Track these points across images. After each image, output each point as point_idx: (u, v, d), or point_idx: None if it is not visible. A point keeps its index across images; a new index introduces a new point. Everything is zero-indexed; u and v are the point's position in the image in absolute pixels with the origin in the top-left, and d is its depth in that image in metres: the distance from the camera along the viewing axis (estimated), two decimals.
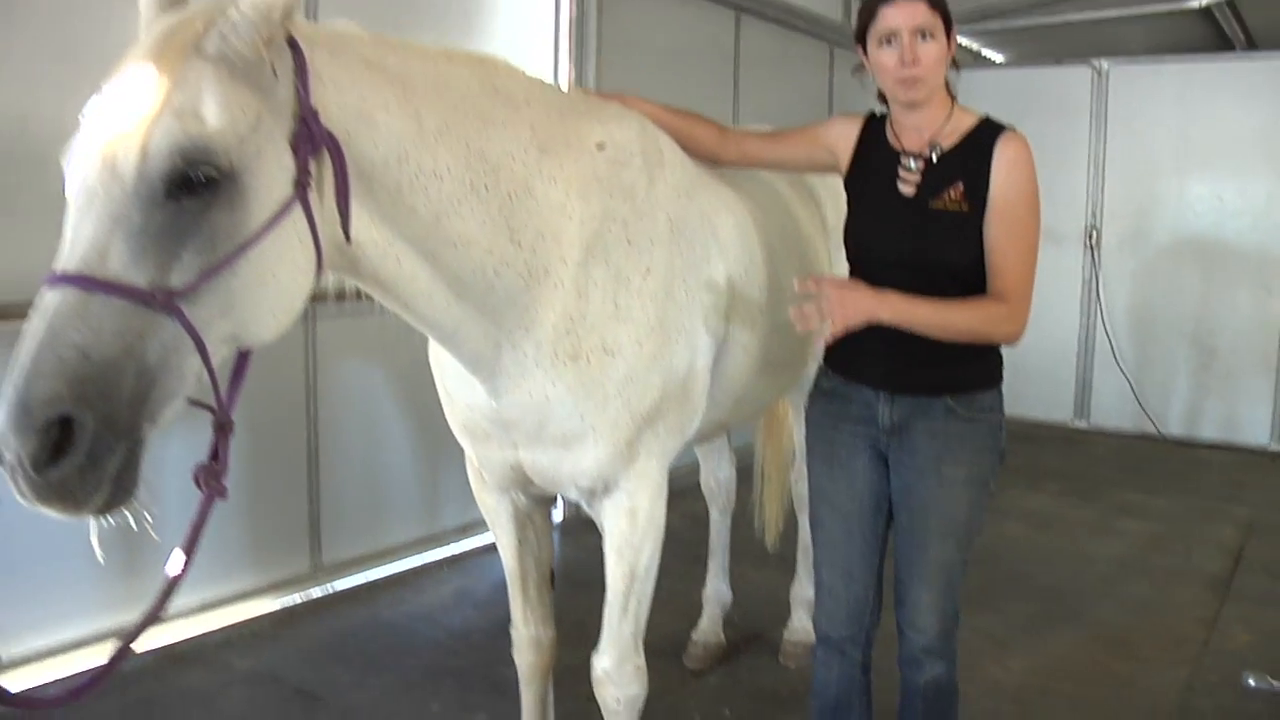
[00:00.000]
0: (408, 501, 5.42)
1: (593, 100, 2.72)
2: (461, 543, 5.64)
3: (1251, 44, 10.10)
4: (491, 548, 5.57)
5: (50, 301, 1.64)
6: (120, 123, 1.71)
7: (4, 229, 3.75)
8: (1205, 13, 8.82)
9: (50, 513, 1.63)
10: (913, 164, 2.71)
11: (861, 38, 2.72)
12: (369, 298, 2.29)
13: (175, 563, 1.80)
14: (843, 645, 2.91)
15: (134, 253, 1.67)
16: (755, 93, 7.60)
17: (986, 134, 2.68)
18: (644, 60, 6.50)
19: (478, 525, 5.67)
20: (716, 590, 4.47)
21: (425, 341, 2.64)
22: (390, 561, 5.29)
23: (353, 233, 2.02)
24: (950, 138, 2.70)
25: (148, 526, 1.67)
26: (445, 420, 2.84)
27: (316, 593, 4.96)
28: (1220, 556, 5.92)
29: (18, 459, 1.57)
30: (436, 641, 4.59)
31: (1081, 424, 9.17)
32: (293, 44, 1.92)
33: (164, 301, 1.68)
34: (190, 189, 1.71)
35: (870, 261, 2.75)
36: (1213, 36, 9.92)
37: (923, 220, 2.65)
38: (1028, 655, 4.50)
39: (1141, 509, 6.83)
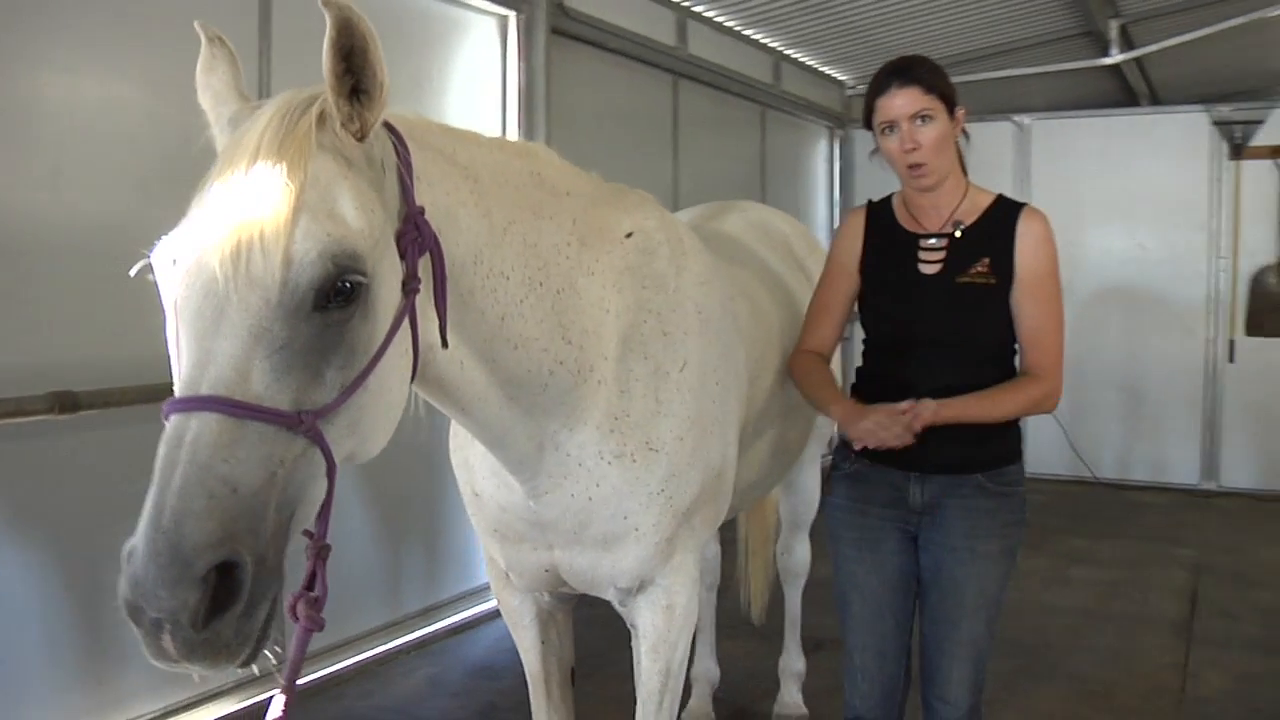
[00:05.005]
0: (368, 587, 5.22)
1: (611, 187, 2.65)
2: (426, 628, 5.44)
3: (1155, 97, 10.53)
4: (458, 630, 5.51)
5: (189, 428, 1.48)
6: (248, 224, 1.54)
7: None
8: (1113, 68, 9.15)
9: (195, 669, 1.45)
10: (935, 242, 2.74)
11: (870, 125, 2.78)
12: None
13: (277, 706, 1.63)
14: None
15: (277, 371, 1.53)
16: (694, 154, 7.67)
17: (1007, 210, 2.75)
18: (591, 125, 6.50)
19: (441, 608, 5.53)
20: (705, 669, 4.37)
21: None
22: (353, 651, 5.08)
23: (434, 337, 1.91)
24: (971, 214, 2.75)
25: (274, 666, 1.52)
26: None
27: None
28: (1176, 600, 6.03)
29: (172, 616, 1.39)
30: None
31: None
32: (393, 134, 1.82)
33: (309, 424, 1.54)
34: (336, 298, 1.57)
35: (898, 343, 2.76)
36: (1118, 90, 10.31)
37: (951, 295, 2.69)
38: (1019, 713, 4.48)
39: (1091, 556, 6.95)
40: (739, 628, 4.87)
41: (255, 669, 1.53)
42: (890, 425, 2.55)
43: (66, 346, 3.72)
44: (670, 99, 7.44)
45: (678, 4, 7.18)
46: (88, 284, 3.77)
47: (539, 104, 5.87)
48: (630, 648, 2.69)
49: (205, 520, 1.42)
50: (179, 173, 3.96)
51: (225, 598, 1.44)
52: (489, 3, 5.62)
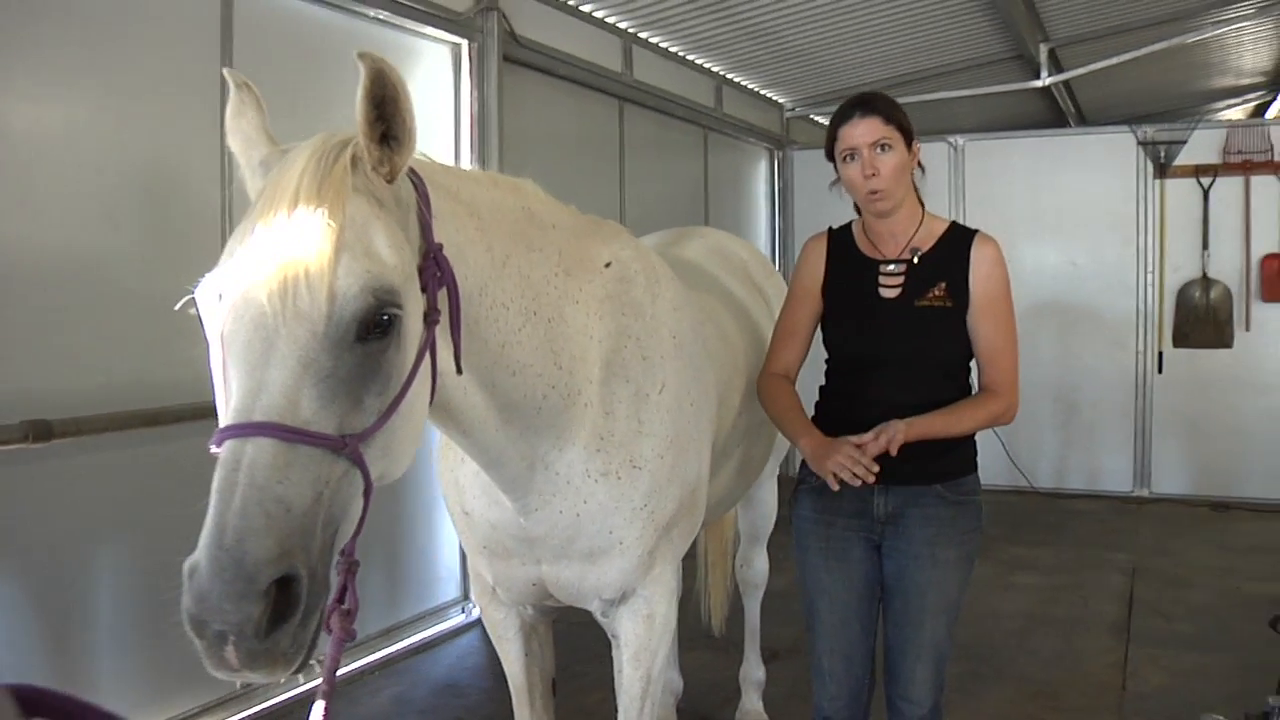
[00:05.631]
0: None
1: (588, 218, 2.79)
2: (389, 647, 5.49)
3: (1081, 118, 10.90)
4: (421, 649, 5.56)
5: (246, 453, 1.58)
6: (293, 262, 1.65)
7: None
8: (1043, 90, 9.48)
9: (254, 678, 1.57)
10: (894, 267, 2.89)
11: (831, 156, 2.94)
12: None
13: (318, 711, 1.73)
14: None
15: (323, 398, 1.65)
16: (639, 176, 7.82)
17: (961, 236, 2.92)
18: (541, 150, 6.61)
19: (403, 628, 5.57)
20: (669, 679, 4.47)
21: None
22: (317, 672, 5.10)
23: (446, 365, 2.03)
24: (927, 241, 2.91)
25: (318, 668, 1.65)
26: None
27: (249, 712, 4.75)
28: (1114, 603, 6.27)
29: (236, 628, 1.50)
30: None
31: None
32: (413, 175, 1.93)
33: (352, 447, 1.66)
34: (375, 330, 1.70)
35: (861, 363, 2.91)
36: (1048, 111, 10.67)
37: (911, 318, 2.84)
38: (970, 715, 4.65)
39: (1032, 563, 7.17)
40: (699, 639, 4.99)
41: (301, 677, 1.63)
42: (857, 462, 2.66)
43: (39, 375, 3.75)
44: (616, 123, 7.59)
45: (624, 31, 7.35)
46: (59, 312, 3.80)
47: (491, 130, 5.97)
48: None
49: (265, 538, 1.53)
50: (145, 201, 4.08)
51: (284, 610, 1.55)
52: (442, 31, 5.72)
